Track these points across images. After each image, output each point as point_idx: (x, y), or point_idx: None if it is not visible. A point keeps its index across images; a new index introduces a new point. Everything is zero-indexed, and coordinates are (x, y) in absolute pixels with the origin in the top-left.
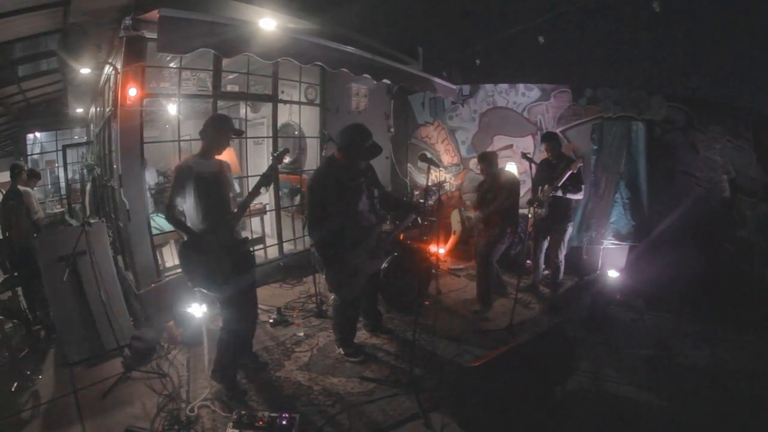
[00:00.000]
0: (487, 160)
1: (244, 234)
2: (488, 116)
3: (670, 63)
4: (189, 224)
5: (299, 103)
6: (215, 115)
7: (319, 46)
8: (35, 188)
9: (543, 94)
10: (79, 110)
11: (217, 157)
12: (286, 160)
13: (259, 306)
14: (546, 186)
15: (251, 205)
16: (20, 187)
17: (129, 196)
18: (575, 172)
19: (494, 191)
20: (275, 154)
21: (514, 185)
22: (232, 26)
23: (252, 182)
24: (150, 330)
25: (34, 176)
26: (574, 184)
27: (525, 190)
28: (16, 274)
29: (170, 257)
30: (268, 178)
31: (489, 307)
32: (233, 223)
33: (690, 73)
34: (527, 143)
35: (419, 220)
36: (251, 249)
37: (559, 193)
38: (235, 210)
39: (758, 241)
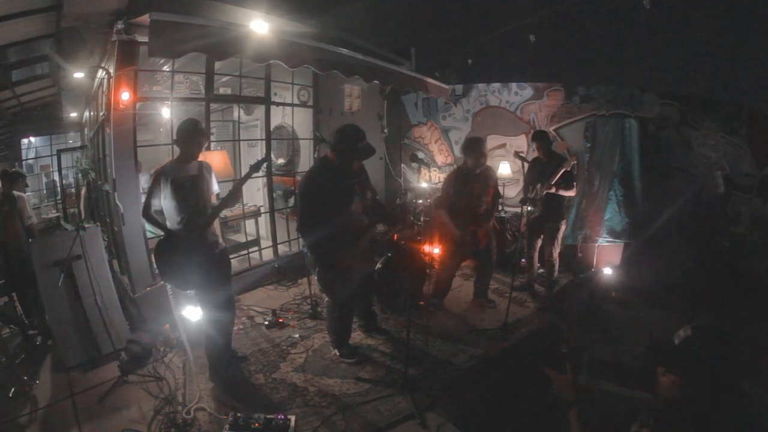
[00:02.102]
0: (479, 150)
1: (238, 236)
2: (481, 116)
3: (663, 60)
4: (168, 222)
5: (292, 105)
6: (186, 121)
7: (310, 48)
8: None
9: (536, 93)
10: (74, 114)
11: (200, 158)
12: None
13: (254, 308)
14: (539, 185)
15: (246, 207)
16: (15, 192)
17: (123, 200)
18: (568, 170)
19: (482, 186)
20: (253, 163)
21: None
22: (223, 29)
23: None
24: (146, 333)
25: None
26: (566, 182)
27: (518, 190)
28: (13, 281)
29: None
30: (235, 196)
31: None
32: (204, 227)
33: (683, 69)
34: (520, 142)
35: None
36: (224, 248)
37: (552, 190)
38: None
39: (753, 237)
